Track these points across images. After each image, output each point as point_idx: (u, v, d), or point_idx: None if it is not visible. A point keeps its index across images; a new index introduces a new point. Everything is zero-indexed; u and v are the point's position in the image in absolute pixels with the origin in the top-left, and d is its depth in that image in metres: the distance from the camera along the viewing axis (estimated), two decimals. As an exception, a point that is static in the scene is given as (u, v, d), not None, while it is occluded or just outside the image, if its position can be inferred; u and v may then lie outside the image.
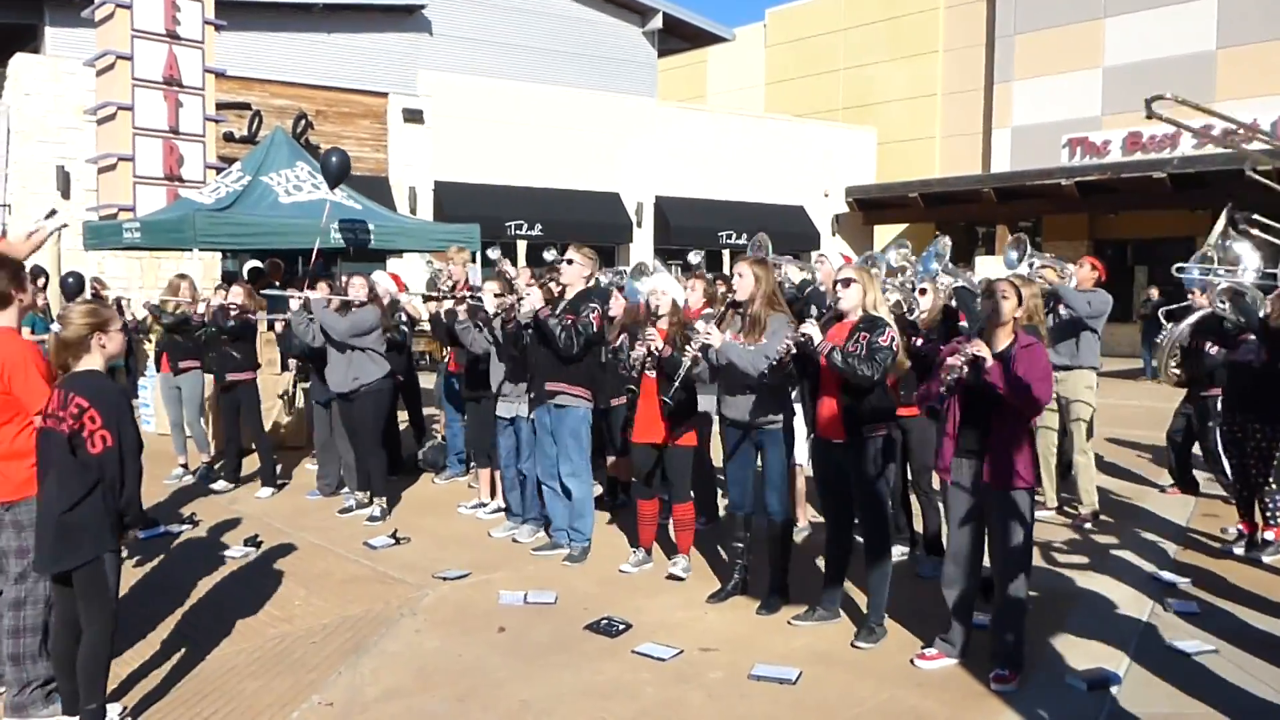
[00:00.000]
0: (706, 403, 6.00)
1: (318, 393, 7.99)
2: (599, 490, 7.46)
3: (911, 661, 4.64)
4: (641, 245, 22.09)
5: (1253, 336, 6.26)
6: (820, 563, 5.43)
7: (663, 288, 5.92)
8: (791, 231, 23.88)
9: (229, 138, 16.68)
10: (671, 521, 6.11)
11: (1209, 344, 6.78)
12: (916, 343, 5.63)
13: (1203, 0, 22.23)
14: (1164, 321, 7.91)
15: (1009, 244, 7.37)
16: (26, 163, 15.94)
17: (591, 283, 6.56)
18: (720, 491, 7.04)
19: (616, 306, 6.85)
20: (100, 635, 3.82)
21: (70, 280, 9.51)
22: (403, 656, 4.79)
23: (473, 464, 8.15)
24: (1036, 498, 5.13)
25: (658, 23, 22.61)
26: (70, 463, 3.74)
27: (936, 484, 5.85)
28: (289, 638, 5.02)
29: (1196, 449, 8.11)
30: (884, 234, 26.55)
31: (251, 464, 8.50)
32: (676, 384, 5.43)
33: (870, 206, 25.36)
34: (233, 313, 8.16)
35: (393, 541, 6.74)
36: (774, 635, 5.02)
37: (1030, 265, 7.18)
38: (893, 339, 4.82)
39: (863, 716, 4.18)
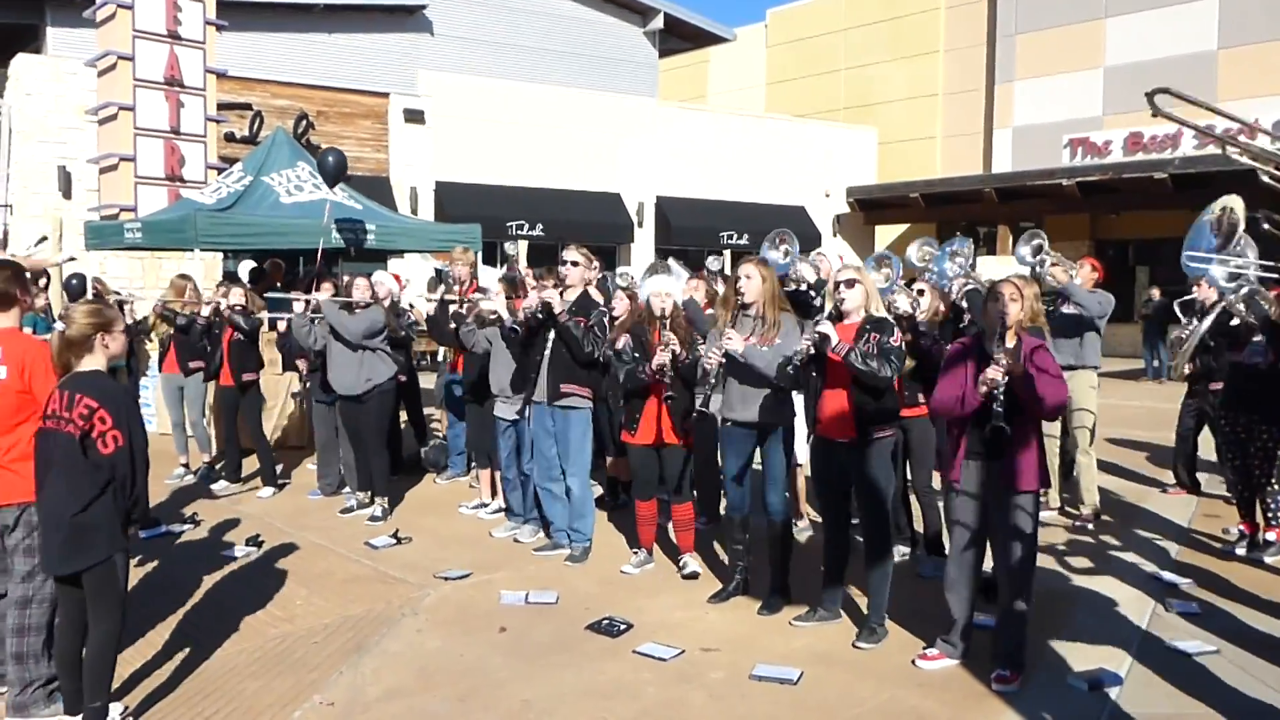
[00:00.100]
0: (711, 403, 5.99)
1: (319, 392, 7.98)
2: (598, 491, 7.45)
3: (913, 662, 4.63)
4: (642, 245, 22.09)
5: (1260, 337, 6.22)
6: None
7: (666, 289, 5.91)
8: (793, 232, 23.86)
9: (230, 138, 16.69)
10: (671, 522, 6.11)
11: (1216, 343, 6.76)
12: (923, 343, 5.63)
13: (1204, 0, 22.22)
14: (1180, 314, 7.78)
15: (1024, 240, 7.24)
16: (28, 163, 15.95)
17: (593, 283, 6.56)
18: (721, 492, 7.04)
19: (620, 307, 6.84)
20: (109, 633, 3.83)
21: (74, 282, 9.52)
22: (404, 656, 4.79)
23: (474, 464, 8.15)
24: (1038, 498, 5.13)
25: (659, 23, 22.61)
26: (81, 464, 3.75)
27: (936, 484, 5.86)
28: (290, 637, 5.02)
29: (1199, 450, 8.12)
30: (885, 234, 26.56)
31: (253, 464, 8.51)
32: (711, 390, 5.34)
33: (871, 207, 25.35)
34: (237, 314, 8.19)
35: (394, 541, 6.74)
36: (775, 635, 5.02)
37: (1042, 264, 7.13)
38: (900, 339, 4.85)
39: (864, 717, 4.18)
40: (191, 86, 14.31)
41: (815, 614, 5.15)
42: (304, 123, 17.87)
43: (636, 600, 5.53)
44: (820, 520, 5.64)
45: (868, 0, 28.03)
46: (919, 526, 6.24)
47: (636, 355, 5.80)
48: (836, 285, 4.91)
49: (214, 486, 8.37)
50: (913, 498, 6.24)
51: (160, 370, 8.73)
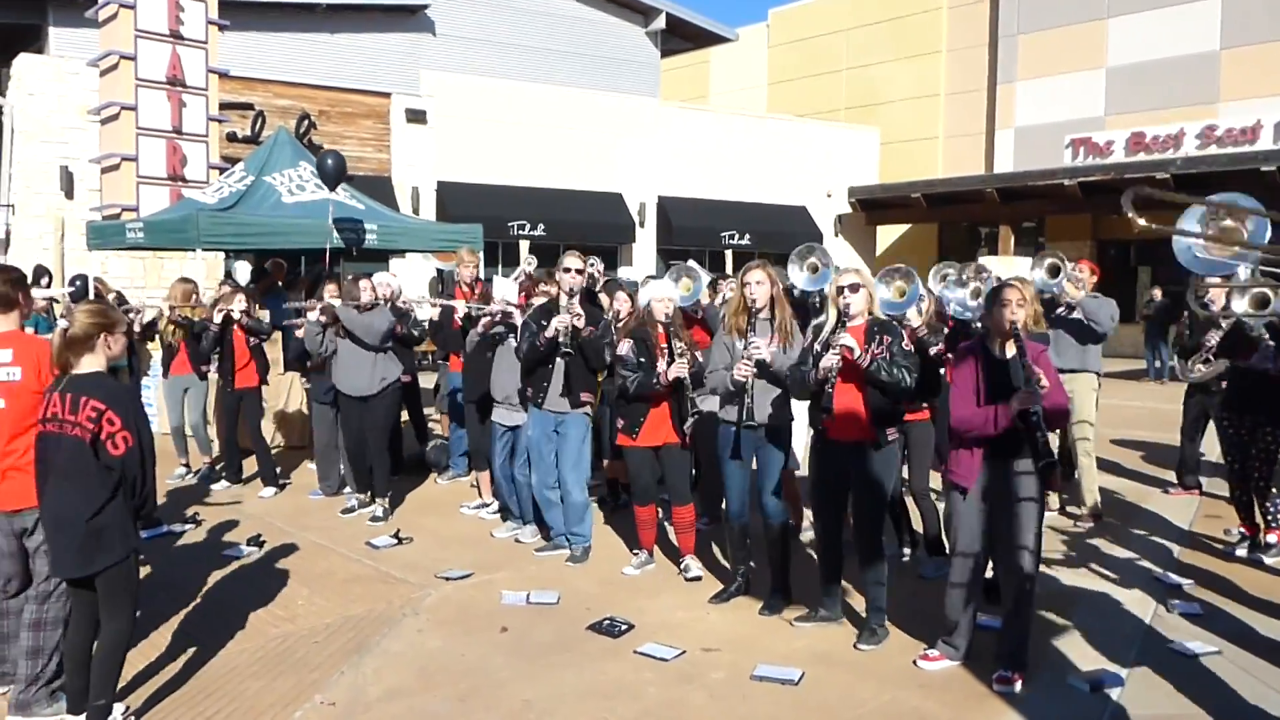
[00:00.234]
0: (713, 404, 5.97)
1: (321, 394, 7.97)
2: (597, 494, 7.44)
3: (914, 663, 4.63)
4: (644, 245, 22.09)
5: (1270, 342, 6.18)
6: (823, 563, 5.43)
7: (667, 294, 5.88)
8: (794, 232, 23.86)
9: (232, 138, 16.69)
10: (672, 525, 6.10)
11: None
12: (932, 351, 5.62)
13: (1206, 0, 22.20)
14: (1200, 311, 7.51)
15: (1038, 263, 7.07)
16: (30, 163, 15.96)
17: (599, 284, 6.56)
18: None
19: (624, 308, 6.78)
20: (122, 632, 3.85)
21: (78, 283, 9.54)
22: (405, 656, 4.79)
23: (472, 467, 8.14)
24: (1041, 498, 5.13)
25: (660, 23, 22.60)
26: (92, 466, 3.75)
27: (935, 483, 5.85)
28: (292, 637, 5.03)
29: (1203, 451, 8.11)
30: (886, 234, 26.55)
31: (254, 465, 8.50)
32: (751, 401, 5.22)
33: (873, 207, 25.33)
34: (245, 319, 8.23)
35: (395, 541, 6.75)
36: (776, 636, 5.02)
37: (1060, 286, 7.02)
38: (908, 343, 4.87)
39: (865, 717, 4.18)
40: (193, 86, 14.32)
41: (816, 614, 5.14)
42: (306, 123, 17.87)
43: (637, 601, 5.53)
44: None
45: (869, 0, 28.01)
46: (918, 527, 6.24)
47: (641, 361, 5.76)
48: (840, 290, 4.85)
49: (215, 486, 8.38)
50: (908, 499, 6.24)
51: (167, 372, 8.70)
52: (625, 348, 5.84)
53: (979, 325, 6.00)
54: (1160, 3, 22.84)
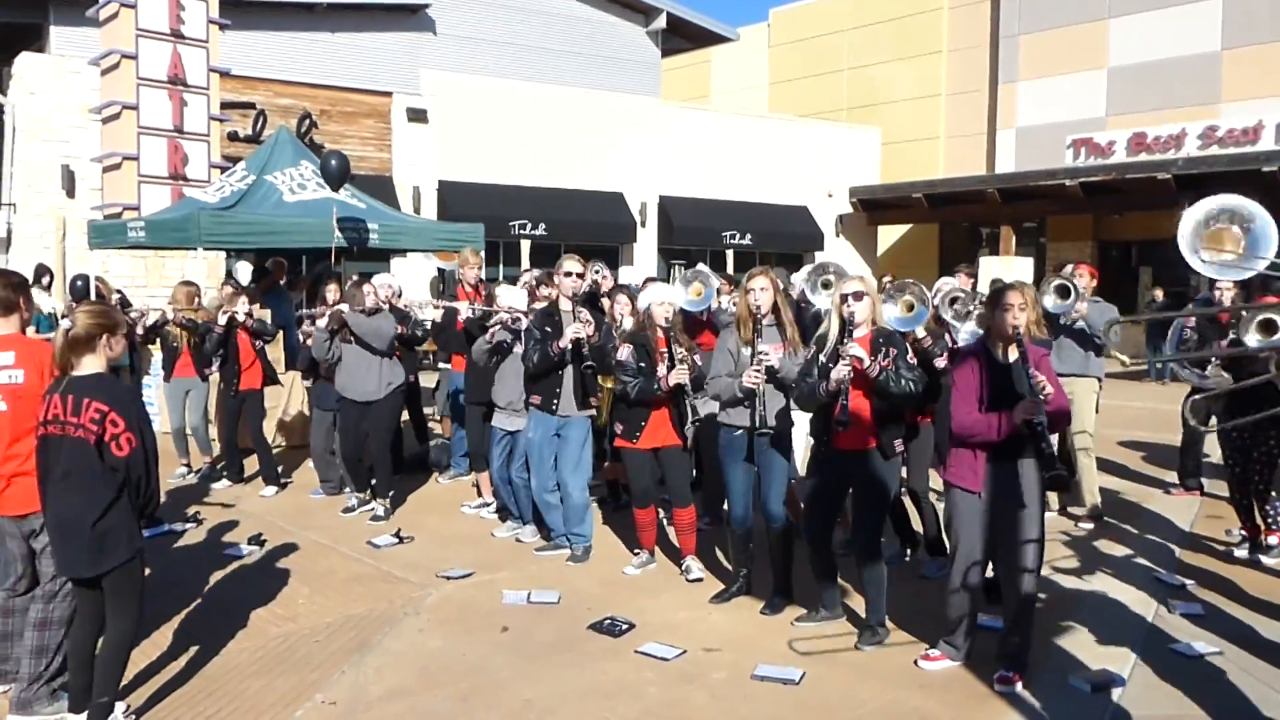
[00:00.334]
0: (713, 407, 5.97)
1: (322, 398, 7.96)
2: (597, 494, 7.43)
3: (915, 663, 4.63)
4: (645, 245, 22.09)
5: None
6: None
7: (668, 298, 5.86)
8: (795, 232, 23.87)
9: (233, 137, 16.69)
10: (673, 526, 6.10)
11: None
12: (939, 365, 5.61)
13: (1208, 1, 22.18)
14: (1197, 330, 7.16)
15: (1046, 286, 6.96)
16: (31, 162, 15.96)
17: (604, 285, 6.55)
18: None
19: (625, 312, 6.75)
20: (127, 631, 3.86)
21: (79, 284, 9.54)
22: (406, 655, 4.79)
23: (473, 467, 8.13)
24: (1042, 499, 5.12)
25: (661, 22, 22.59)
26: (97, 468, 3.75)
27: (934, 483, 5.85)
28: (293, 636, 5.03)
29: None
30: (887, 234, 26.54)
31: (255, 464, 8.50)
32: (763, 408, 5.19)
33: (874, 207, 25.32)
34: (250, 321, 8.24)
35: (396, 540, 6.75)
36: (777, 636, 5.02)
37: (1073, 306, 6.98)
38: (912, 354, 4.87)
39: (866, 717, 4.18)
40: (195, 85, 14.32)
41: (817, 615, 5.14)
42: (307, 122, 17.87)
43: (638, 600, 5.53)
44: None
45: (871, 0, 28.01)
46: (918, 528, 6.24)
47: (642, 365, 5.75)
48: (844, 298, 4.80)
49: (216, 486, 8.38)
50: (906, 500, 6.23)
51: (169, 374, 8.69)
52: (625, 353, 5.81)
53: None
54: (1162, 3, 22.82)
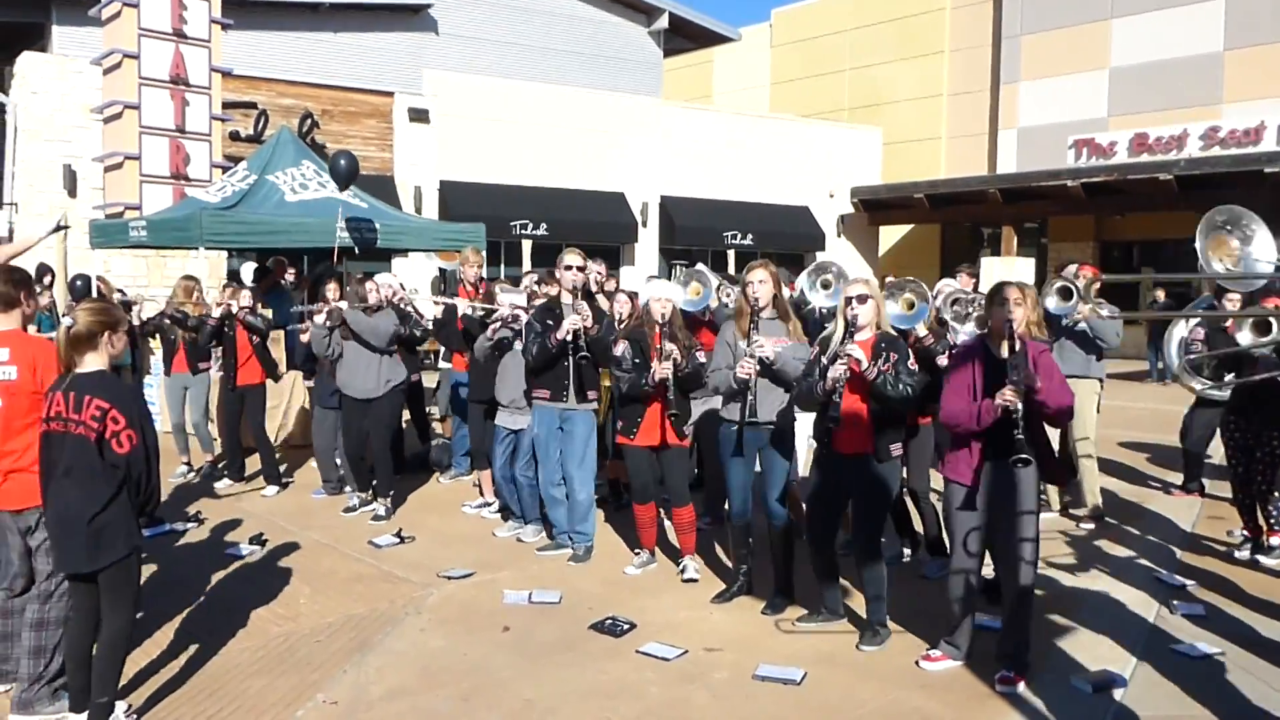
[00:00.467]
0: (717, 401, 5.96)
1: (323, 396, 7.97)
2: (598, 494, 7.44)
3: (916, 663, 4.63)
4: (646, 245, 22.09)
5: (1273, 355, 6.19)
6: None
7: (666, 294, 5.87)
8: (796, 232, 23.87)
9: (235, 137, 16.71)
10: (672, 526, 6.10)
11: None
12: (941, 361, 5.60)
13: (1210, 1, 22.16)
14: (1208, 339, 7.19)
15: (1049, 288, 6.95)
16: (33, 161, 15.97)
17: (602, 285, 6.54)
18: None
19: (624, 310, 6.78)
20: (122, 630, 3.86)
21: (79, 283, 9.54)
22: (407, 655, 4.79)
23: (475, 466, 8.13)
24: (1040, 497, 5.12)
25: (663, 22, 22.60)
26: (97, 465, 3.76)
27: (935, 483, 5.85)
28: (294, 636, 5.03)
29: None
30: (889, 235, 26.53)
31: (256, 463, 8.51)
32: (754, 399, 5.19)
33: (875, 207, 25.32)
34: (251, 317, 8.24)
35: (397, 540, 6.75)
36: (778, 636, 5.02)
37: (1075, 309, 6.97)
38: (914, 360, 4.86)
39: (867, 718, 4.17)
40: (197, 85, 14.33)
41: (818, 615, 5.14)
42: (309, 121, 17.88)
43: (639, 600, 5.53)
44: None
45: (873, 1, 28.00)
46: (919, 528, 6.24)
47: (637, 361, 5.76)
48: (848, 300, 4.80)
49: (217, 485, 8.38)
50: (908, 500, 6.23)
51: (168, 370, 8.71)
52: (621, 348, 5.85)
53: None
54: (1164, 3, 22.82)
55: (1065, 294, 6.90)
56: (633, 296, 6.94)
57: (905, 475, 6.14)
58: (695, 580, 5.83)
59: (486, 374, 7.00)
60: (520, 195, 20.22)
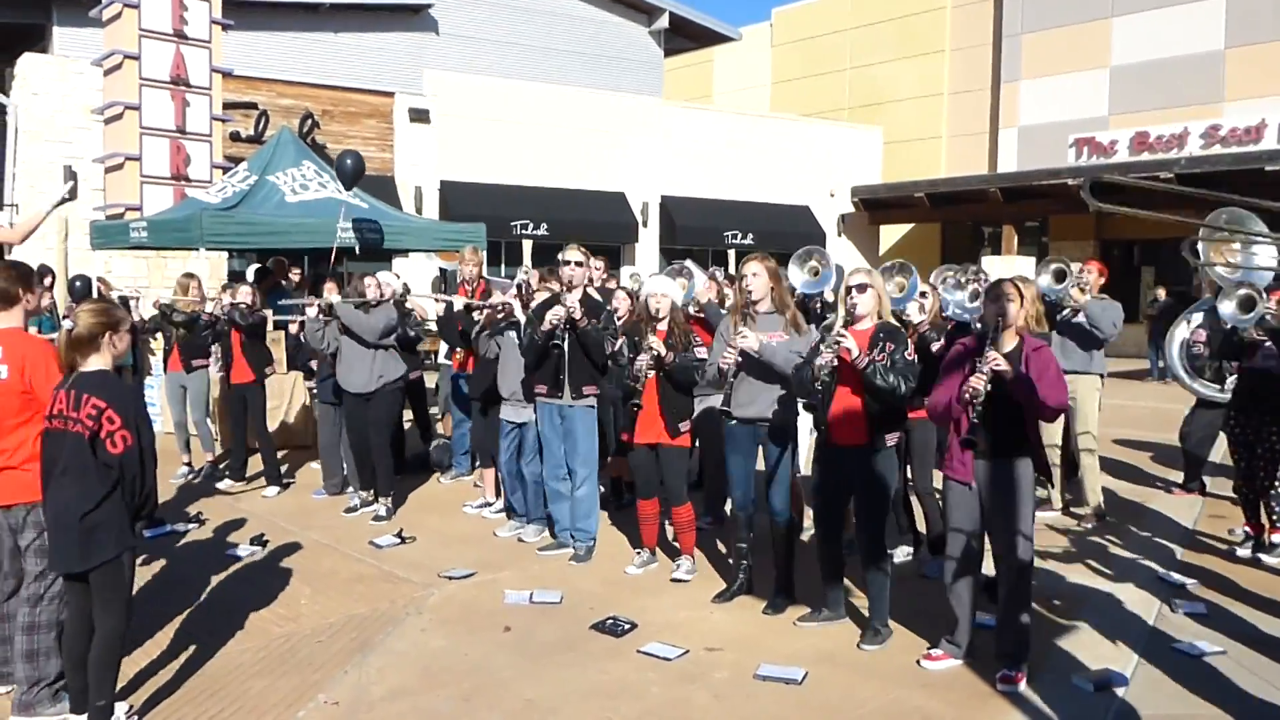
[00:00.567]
0: (716, 400, 5.97)
1: (327, 394, 7.98)
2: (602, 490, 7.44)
3: (917, 662, 4.63)
4: (647, 245, 22.09)
5: (1270, 344, 6.23)
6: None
7: (663, 290, 5.89)
8: (797, 231, 23.85)
9: (235, 137, 16.71)
10: (671, 524, 6.10)
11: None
12: (934, 348, 5.61)
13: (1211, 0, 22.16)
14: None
15: (1044, 268, 7.03)
16: (34, 162, 15.98)
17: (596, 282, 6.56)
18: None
19: (623, 307, 6.82)
20: (115, 632, 3.85)
21: (79, 284, 9.55)
22: (408, 655, 4.79)
23: (478, 464, 8.14)
24: (1038, 495, 5.14)
25: (664, 22, 22.59)
26: (91, 463, 3.76)
27: (938, 482, 5.85)
28: (295, 636, 5.03)
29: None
30: (890, 234, 26.51)
31: (257, 464, 8.51)
32: (730, 390, 5.20)
33: (876, 206, 25.31)
34: (243, 310, 8.22)
35: (398, 540, 6.75)
36: (779, 636, 5.02)
37: (1066, 292, 6.99)
38: (912, 351, 4.85)
39: (868, 717, 4.17)
40: (197, 85, 14.33)
41: (819, 614, 5.14)
42: (309, 122, 17.89)
43: (640, 600, 5.53)
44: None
45: (873, 0, 27.99)
46: (922, 527, 6.24)
47: (633, 357, 5.77)
48: (848, 290, 4.82)
49: (218, 485, 8.39)
50: (912, 498, 6.23)
51: (165, 369, 8.74)
52: (618, 344, 5.90)
53: (978, 325, 6.01)
54: (1164, 2, 22.79)
55: (1059, 276, 6.95)
56: (633, 295, 6.96)
57: (910, 475, 6.14)
58: (686, 581, 5.82)
59: (486, 369, 7.03)
60: (521, 195, 20.22)
